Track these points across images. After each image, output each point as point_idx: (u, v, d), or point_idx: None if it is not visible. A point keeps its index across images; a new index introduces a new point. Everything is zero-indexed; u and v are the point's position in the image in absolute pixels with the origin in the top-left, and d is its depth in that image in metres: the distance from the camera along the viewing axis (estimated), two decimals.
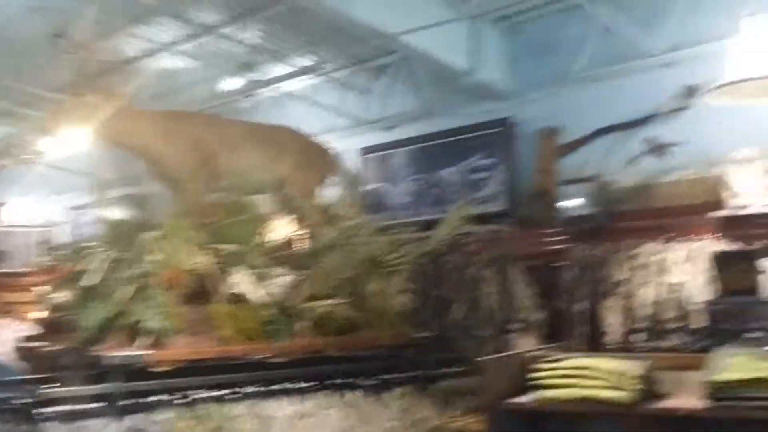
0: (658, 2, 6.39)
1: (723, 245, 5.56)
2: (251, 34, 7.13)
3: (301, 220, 5.44)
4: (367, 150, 8.21)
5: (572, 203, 6.56)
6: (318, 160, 5.90)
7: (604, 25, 6.38)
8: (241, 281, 4.51)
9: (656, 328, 5.56)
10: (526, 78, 7.15)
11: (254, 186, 5.01)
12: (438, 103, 7.70)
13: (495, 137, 7.23)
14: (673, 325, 5.49)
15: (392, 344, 5.15)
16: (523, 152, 7.13)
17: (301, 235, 5.41)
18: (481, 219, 6.33)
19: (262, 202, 5.03)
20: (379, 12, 6.16)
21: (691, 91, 6.10)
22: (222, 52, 7.43)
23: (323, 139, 6.29)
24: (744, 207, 5.58)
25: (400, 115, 8.04)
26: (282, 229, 5.29)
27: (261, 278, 4.61)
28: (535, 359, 3.59)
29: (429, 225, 6.30)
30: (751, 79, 4.64)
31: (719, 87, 4.74)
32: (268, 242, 4.98)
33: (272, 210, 5.14)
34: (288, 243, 5.30)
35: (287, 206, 5.34)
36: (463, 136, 7.43)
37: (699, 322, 5.18)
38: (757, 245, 5.20)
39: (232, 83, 8.30)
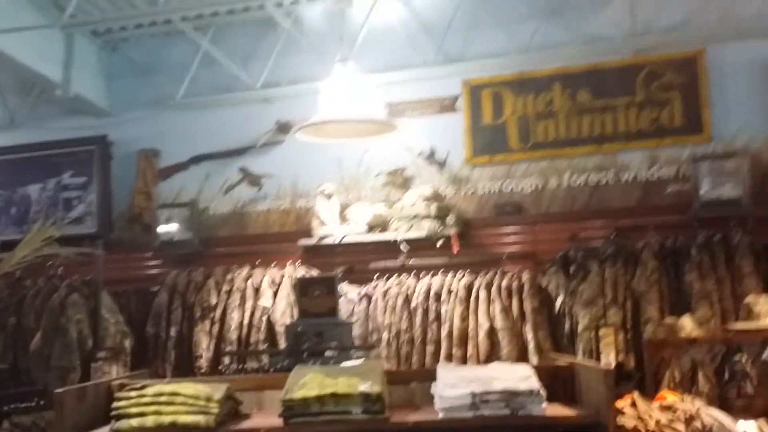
0: (257, 40, 6.69)
1: (306, 271, 6.03)
2: None
3: None
4: None
5: (168, 228, 6.51)
6: None
7: (206, 54, 6.47)
8: None
9: (244, 350, 5.78)
10: (125, 97, 6.93)
11: None
12: (25, 114, 7.08)
13: (89, 155, 6.83)
14: (259, 347, 5.76)
15: None
16: (118, 173, 6.88)
17: None
18: (70, 241, 5.93)
19: None
20: None
21: (284, 127, 6.50)
22: None
23: None
24: (326, 237, 6.12)
25: None
26: None
27: None
28: (120, 388, 3.46)
29: (8, 246, 5.69)
30: (335, 120, 5.08)
31: (309, 125, 5.10)
32: None
33: None
34: None
35: None
36: (53, 152, 6.90)
37: (282, 343, 5.52)
38: (336, 271, 5.74)
39: None
